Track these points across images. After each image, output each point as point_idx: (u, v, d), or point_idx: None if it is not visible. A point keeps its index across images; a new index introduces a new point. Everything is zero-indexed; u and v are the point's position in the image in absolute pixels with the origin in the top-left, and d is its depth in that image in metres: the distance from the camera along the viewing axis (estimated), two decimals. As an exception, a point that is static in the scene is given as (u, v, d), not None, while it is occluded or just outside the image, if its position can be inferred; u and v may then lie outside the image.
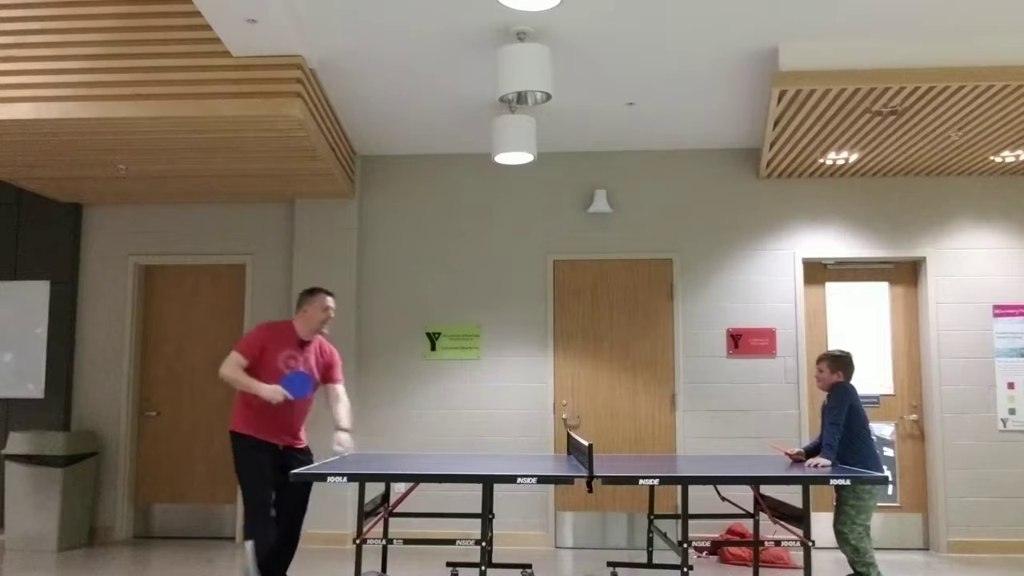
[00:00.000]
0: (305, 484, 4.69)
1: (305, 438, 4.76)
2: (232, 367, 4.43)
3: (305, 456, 4.69)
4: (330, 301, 4.67)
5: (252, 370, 4.48)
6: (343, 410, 4.73)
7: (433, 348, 6.75)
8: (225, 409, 6.97)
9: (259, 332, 4.57)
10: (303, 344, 4.64)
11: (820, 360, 4.74)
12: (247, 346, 4.50)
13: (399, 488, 6.21)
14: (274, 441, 4.54)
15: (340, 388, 4.78)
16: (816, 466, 4.32)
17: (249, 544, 4.36)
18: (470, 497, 6.55)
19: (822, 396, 6.66)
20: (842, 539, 4.44)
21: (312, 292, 4.68)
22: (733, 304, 6.63)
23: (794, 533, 4.14)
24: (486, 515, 4.28)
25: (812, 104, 5.15)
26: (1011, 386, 6.44)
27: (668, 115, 6.11)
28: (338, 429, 4.65)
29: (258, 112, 4.97)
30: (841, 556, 6.18)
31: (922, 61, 4.85)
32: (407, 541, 4.24)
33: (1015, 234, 6.58)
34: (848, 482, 4.00)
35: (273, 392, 4.36)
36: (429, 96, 5.78)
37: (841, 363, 4.68)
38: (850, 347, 6.68)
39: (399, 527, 6.42)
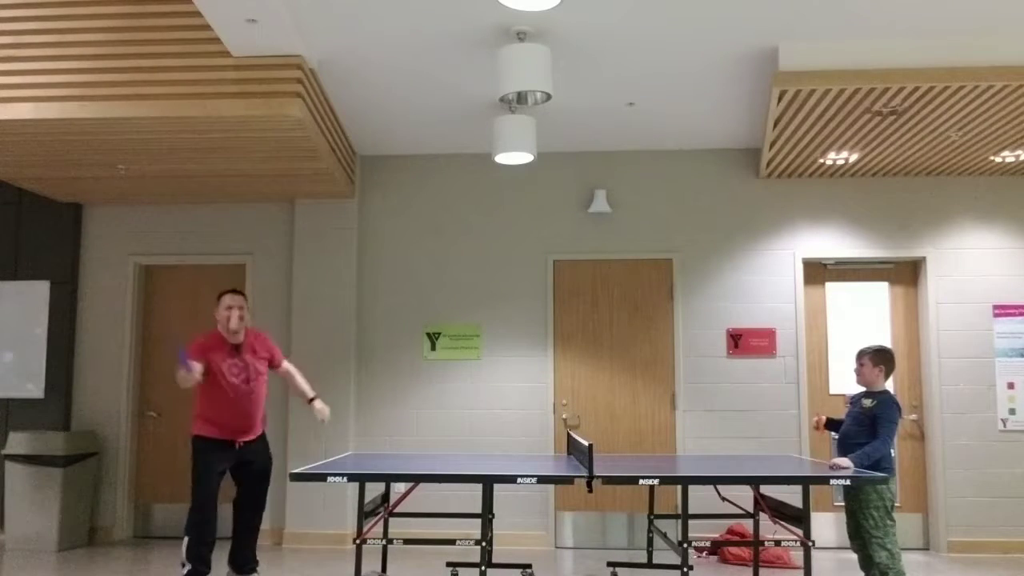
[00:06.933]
0: (265, 472, 5.01)
1: (261, 427, 5.03)
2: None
3: (260, 443, 5.01)
4: (228, 299, 4.86)
5: (209, 378, 4.74)
6: (302, 382, 5.14)
7: (433, 348, 6.74)
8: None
9: (196, 341, 4.83)
10: (236, 348, 4.86)
11: (862, 355, 4.51)
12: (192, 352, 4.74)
13: (399, 488, 6.21)
14: (229, 438, 4.83)
15: (287, 365, 5.17)
16: (832, 466, 4.20)
17: (188, 540, 4.80)
18: (470, 497, 6.55)
19: (822, 396, 6.69)
20: (877, 548, 4.20)
21: (218, 297, 4.93)
22: (733, 304, 6.63)
23: (794, 533, 4.14)
24: (486, 515, 4.28)
25: (812, 104, 5.15)
26: (1011, 386, 6.44)
27: (668, 115, 6.11)
28: (310, 401, 5.05)
29: (258, 112, 4.98)
30: (842, 556, 6.18)
31: (922, 61, 4.84)
32: (407, 541, 4.24)
33: (1015, 234, 6.58)
34: (848, 482, 4.00)
35: (183, 379, 4.58)
36: (429, 96, 5.77)
37: (883, 357, 4.47)
38: (849, 347, 6.68)
39: (399, 527, 6.42)
